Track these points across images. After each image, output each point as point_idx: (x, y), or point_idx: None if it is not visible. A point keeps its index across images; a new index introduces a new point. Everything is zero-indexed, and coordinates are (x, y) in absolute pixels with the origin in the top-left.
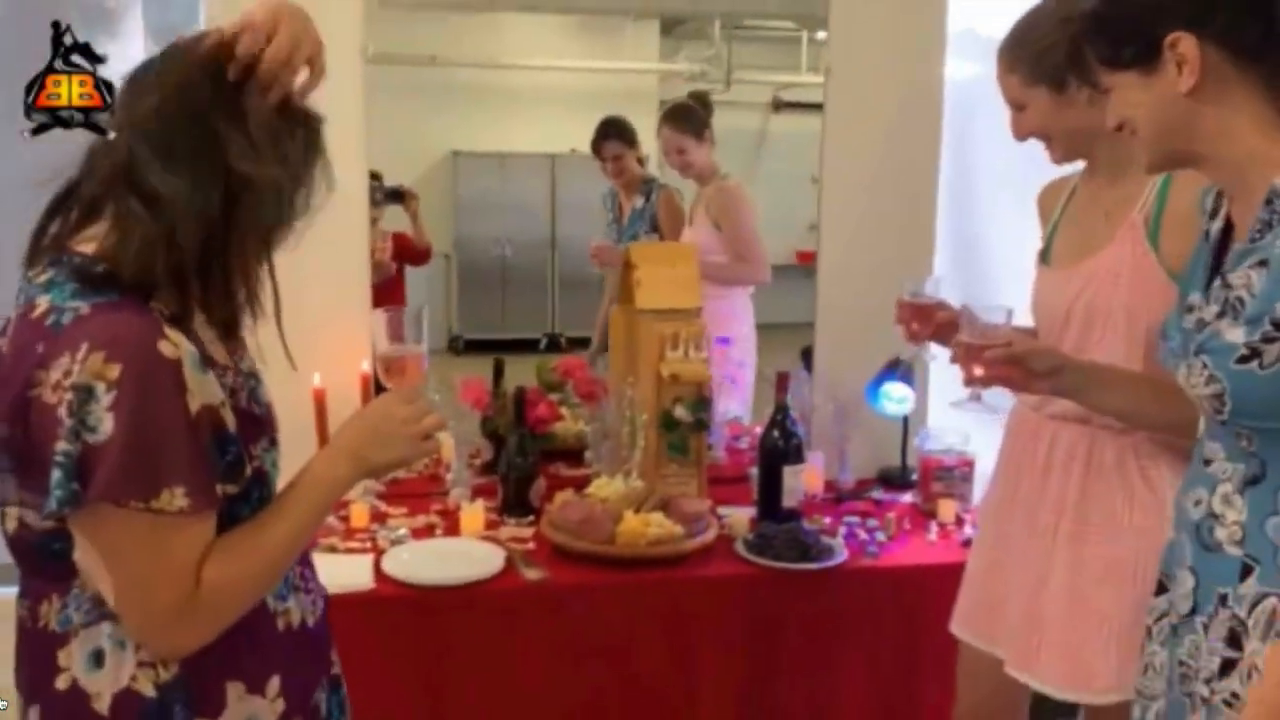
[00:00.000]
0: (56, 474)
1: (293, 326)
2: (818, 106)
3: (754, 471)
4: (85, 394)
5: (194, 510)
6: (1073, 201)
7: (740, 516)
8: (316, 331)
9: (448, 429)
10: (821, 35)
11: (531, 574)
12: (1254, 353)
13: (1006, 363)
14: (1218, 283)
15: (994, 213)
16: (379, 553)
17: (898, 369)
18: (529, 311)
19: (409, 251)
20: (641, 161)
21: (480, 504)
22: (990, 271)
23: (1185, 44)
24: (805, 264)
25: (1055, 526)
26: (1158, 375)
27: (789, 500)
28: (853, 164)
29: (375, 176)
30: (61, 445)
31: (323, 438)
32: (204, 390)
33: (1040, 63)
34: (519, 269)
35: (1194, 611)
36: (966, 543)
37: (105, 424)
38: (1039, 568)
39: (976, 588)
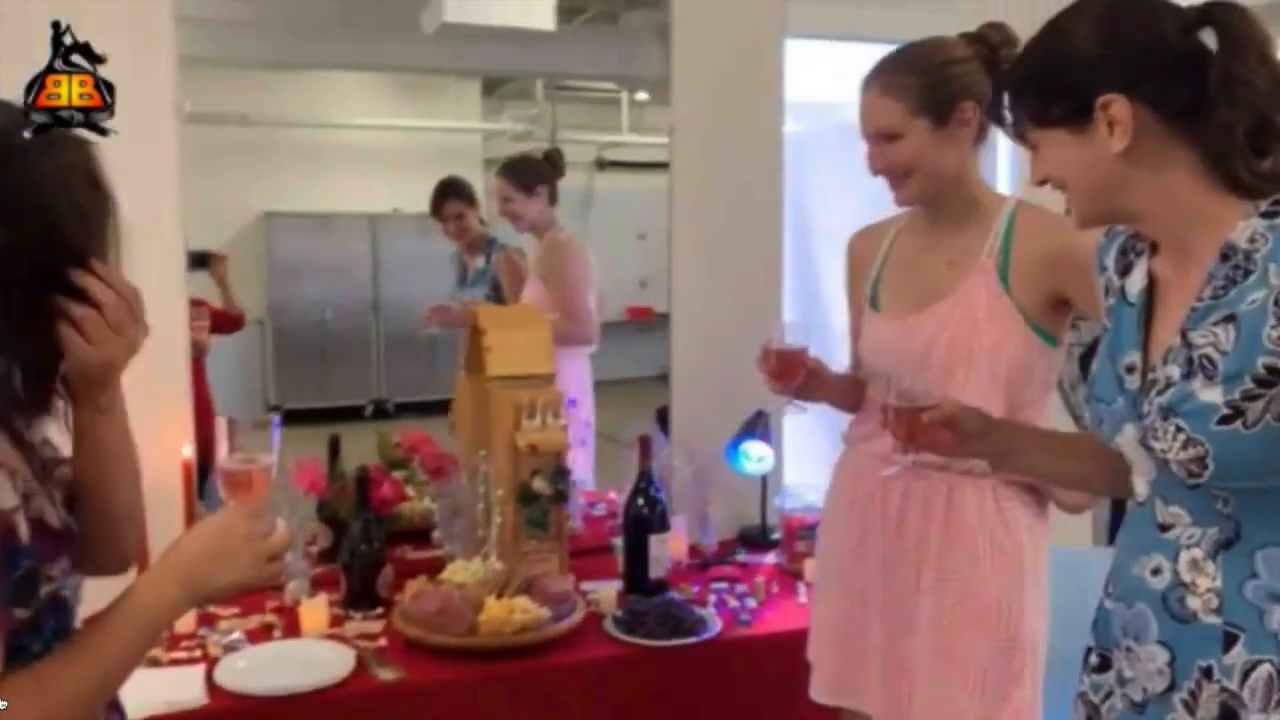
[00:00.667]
0: None
1: None
2: (641, 165)
3: (617, 542)
4: None
5: None
6: (897, 248)
7: (607, 591)
8: (135, 416)
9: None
10: (641, 96)
11: (386, 674)
12: (1236, 412)
13: (942, 426)
14: (1176, 342)
15: (830, 263)
16: (210, 662)
17: (757, 427)
18: (352, 378)
19: (221, 319)
20: (483, 221)
21: (322, 598)
22: (831, 323)
23: (1118, 107)
24: (638, 320)
25: (916, 579)
26: (1056, 431)
27: (656, 570)
28: (699, 220)
29: None
30: None
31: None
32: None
33: (929, 94)
34: (340, 334)
35: (1171, 689)
36: None
37: None
38: (902, 618)
39: (832, 647)
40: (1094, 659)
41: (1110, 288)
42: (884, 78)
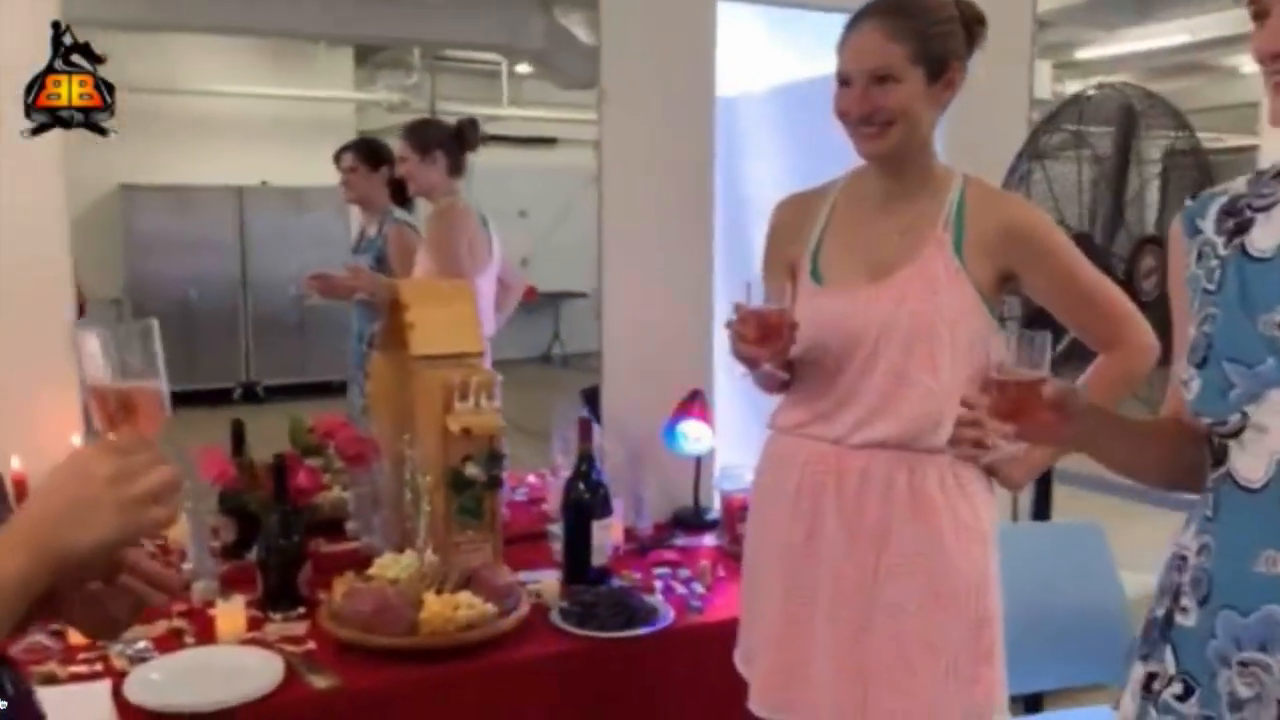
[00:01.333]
0: None
1: None
2: (523, 140)
3: (554, 529)
4: None
5: None
6: (838, 216)
7: (549, 582)
8: (13, 404)
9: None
10: (522, 68)
11: (320, 682)
12: None
13: (1052, 405)
14: None
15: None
16: (117, 676)
17: (693, 406)
18: (220, 359)
19: None
20: (389, 186)
21: (238, 599)
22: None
23: None
24: (522, 301)
25: (875, 564)
26: (1127, 415)
27: (599, 558)
28: (629, 195)
29: None
30: None
31: None
32: None
33: (929, 45)
34: (206, 313)
35: None
36: None
37: None
38: (855, 613)
39: (773, 650)
40: (1175, 687)
41: (1207, 249)
42: (887, 19)
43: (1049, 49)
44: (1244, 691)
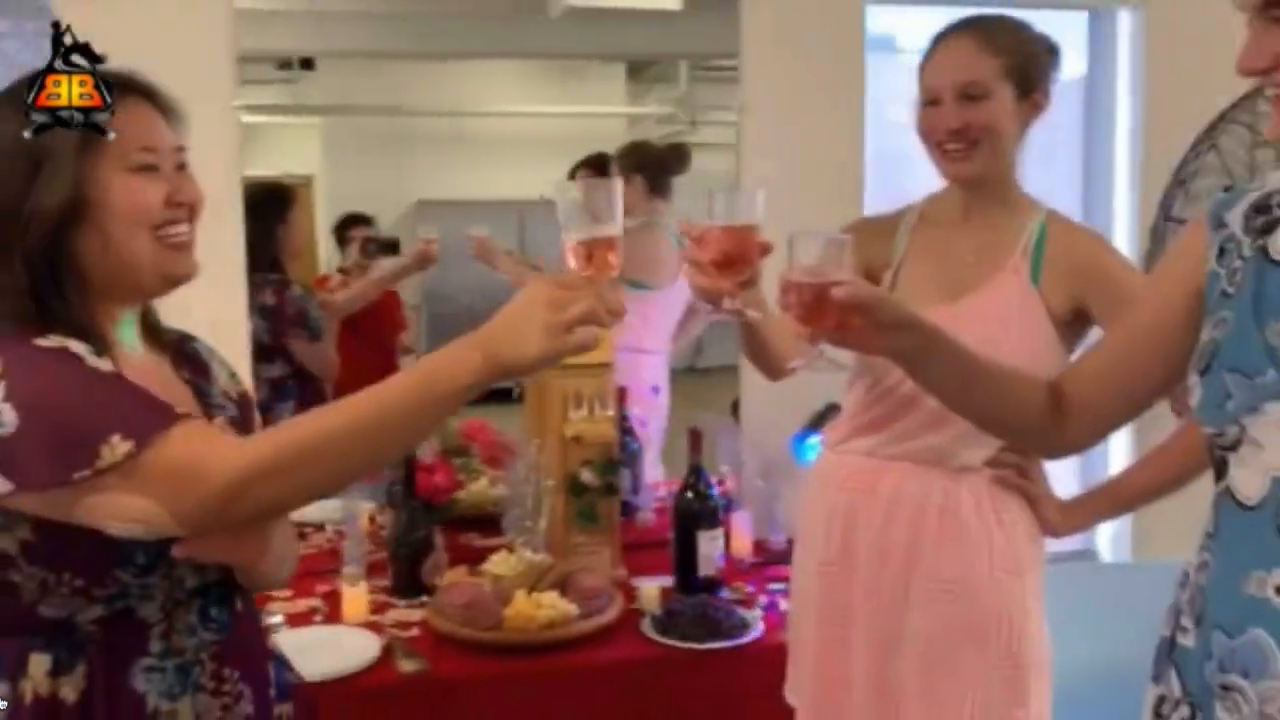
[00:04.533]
0: None
1: None
2: None
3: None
4: None
5: (145, 439)
6: (917, 239)
7: (651, 589)
8: None
9: (606, 325)
10: None
11: (408, 666)
12: None
13: (852, 308)
14: None
15: None
16: None
17: (826, 419)
18: None
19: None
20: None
21: (364, 586)
22: None
23: None
24: None
25: (906, 587)
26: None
27: (705, 568)
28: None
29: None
30: None
31: None
32: (104, 364)
33: (1022, 62)
34: (488, 320)
35: None
36: None
37: (6, 415)
38: (887, 635)
39: (811, 674)
40: (1182, 710)
41: (1231, 247)
42: (980, 32)
43: None
44: (1224, 717)
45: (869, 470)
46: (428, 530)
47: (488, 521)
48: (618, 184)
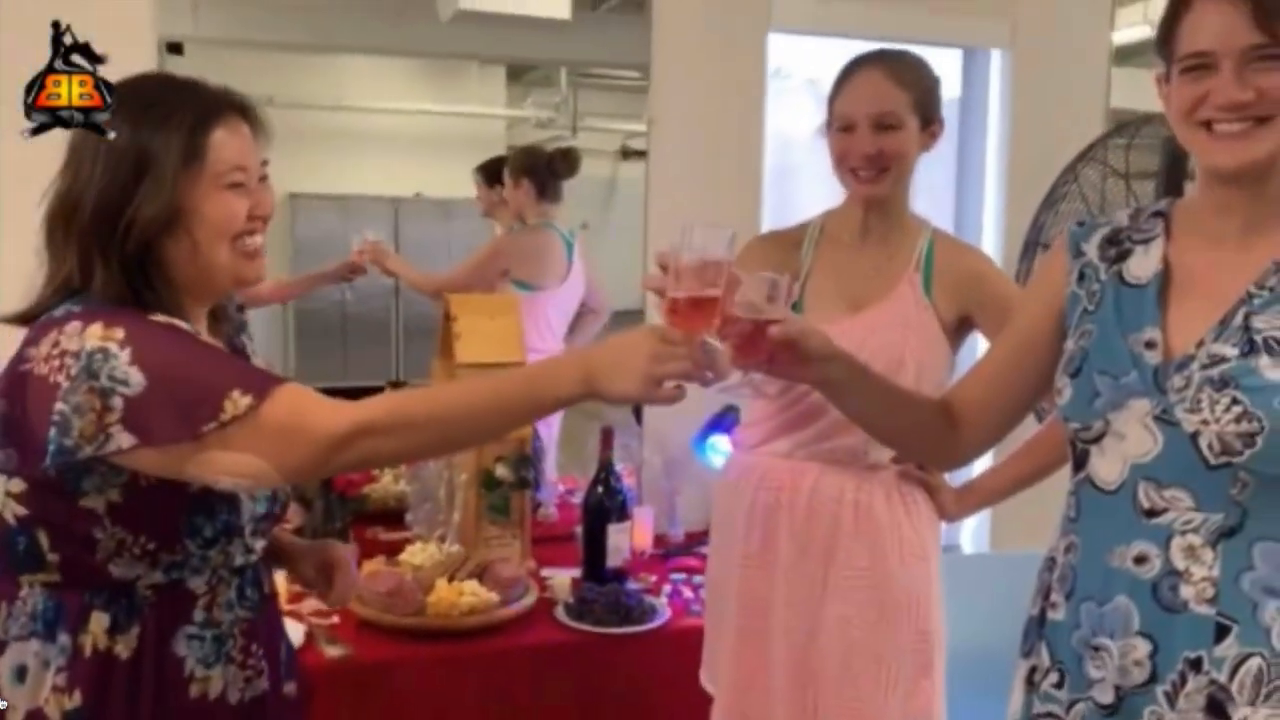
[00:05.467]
0: (52, 432)
1: None
2: None
3: (579, 530)
4: (100, 357)
5: (262, 394)
6: (822, 254)
7: (563, 579)
8: None
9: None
10: None
11: (333, 651)
12: None
13: (784, 344)
14: (1236, 322)
15: None
16: None
17: (725, 419)
18: (371, 359)
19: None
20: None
21: (281, 575)
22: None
23: None
24: None
25: (824, 578)
26: (898, 385)
27: (613, 559)
28: (676, 213)
29: None
30: (60, 406)
31: None
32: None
33: (926, 97)
34: (360, 315)
35: (1152, 680)
36: None
37: (134, 376)
38: (806, 624)
39: (730, 662)
40: (1052, 676)
41: (1090, 271)
42: (893, 66)
43: None
44: (1094, 674)
45: (787, 470)
46: (344, 522)
47: (392, 516)
48: (732, 235)
